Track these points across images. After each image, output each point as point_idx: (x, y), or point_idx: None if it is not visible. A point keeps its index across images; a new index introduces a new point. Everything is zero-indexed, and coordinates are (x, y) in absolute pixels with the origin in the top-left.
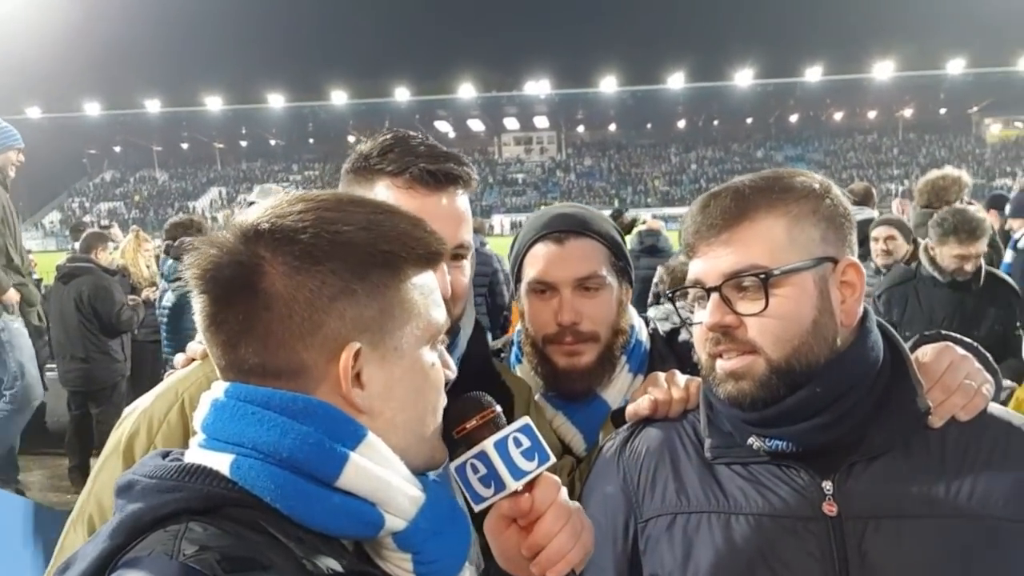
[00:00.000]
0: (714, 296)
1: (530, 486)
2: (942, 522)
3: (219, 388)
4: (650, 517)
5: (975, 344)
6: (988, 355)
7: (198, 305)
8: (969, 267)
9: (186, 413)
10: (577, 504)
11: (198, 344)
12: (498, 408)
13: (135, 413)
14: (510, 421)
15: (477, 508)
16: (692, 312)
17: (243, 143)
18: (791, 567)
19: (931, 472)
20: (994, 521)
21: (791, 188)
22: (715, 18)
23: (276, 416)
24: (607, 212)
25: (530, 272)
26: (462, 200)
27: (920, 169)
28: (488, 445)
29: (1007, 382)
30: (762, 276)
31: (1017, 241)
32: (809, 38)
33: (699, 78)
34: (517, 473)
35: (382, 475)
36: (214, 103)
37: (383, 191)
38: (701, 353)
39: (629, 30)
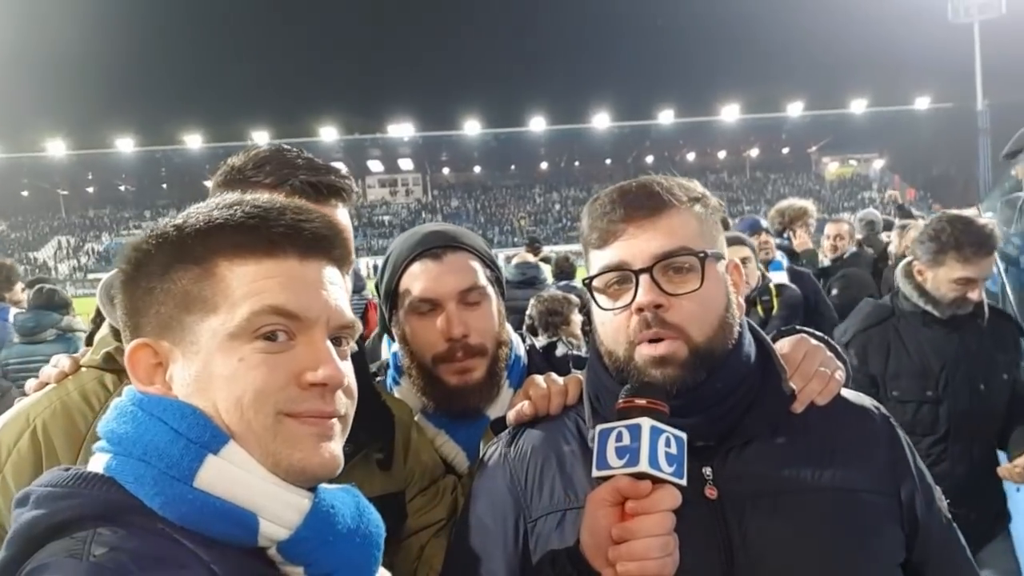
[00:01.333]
0: (645, 277)
1: (653, 487)
2: (811, 497)
3: (124, 392)
4: (539, 516)
5: (825, 336)
6: (837, 346)
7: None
8: (974, 295)
9: (38, 440)
10: (677, 539)
11: (52, 368)
12: (668, 408)
13: None
14: (391, 442)
15: (596, 474)
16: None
17: (90, 189)
18: (680, 551)
19: (798, 453)
20: (855, 493)
21: (691, 189)
22: (572, 63)
23: (143, 415)
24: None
25: (411, 291)
26: (343, 214)
27: (768, 205)
28: (647, 422)
29: None
30: (701, 255)
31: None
32: (660, 83)
33: (559, 120)
34: (654, 463)
35: (248, 480)
36: (56, 148)
37: None
38: (618, 342)
39: (489, 74)
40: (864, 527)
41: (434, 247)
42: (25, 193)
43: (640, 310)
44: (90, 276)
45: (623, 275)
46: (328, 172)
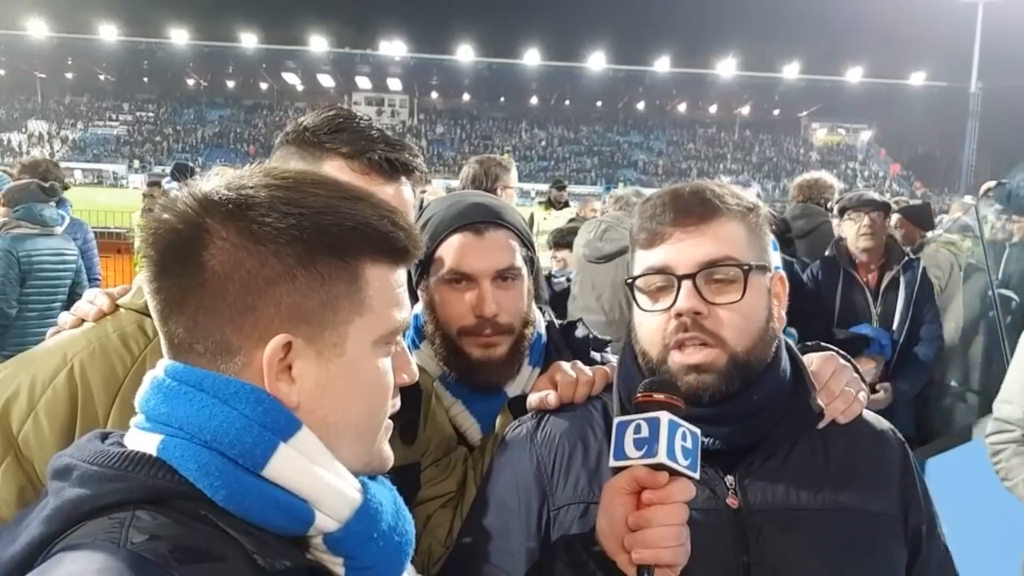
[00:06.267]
0: (687, 283)
1: (669, 479)
2: (828, 515)
3: (160, 366)
4: (563, 505)
5: (848, 356)
6: (859, 367)
7: (142, 271)
8: None
9: (75, 381)
10: (688, 530)
11: (88, 304)
12: (683, 404)
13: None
14: (417, 416)
15: (613, 464)
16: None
17: (69, 75)
18: (698, 555)
19: (818, 470)
20: (870, 515)
21: (744, 199)
22: (571, 1)
23: (207, 398)
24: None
25: (446, 262)
26: (408, 191)
27: (753, 166)
28: (665, 416)
29: None
30: (745, 268)
31: None
32: (658, 30)
33: (554, 57)
34: (671, 455)
35: (314, 471)
36: (37, 28)
37: (333, 172)
38: (653, 344)
39: (487, 2)
40: (876, 550)
41: (477, 221)
42: (1, 72)
43: (679, 315)
44: (61, 165)
45: (666, 279)
46: (403, 149)
